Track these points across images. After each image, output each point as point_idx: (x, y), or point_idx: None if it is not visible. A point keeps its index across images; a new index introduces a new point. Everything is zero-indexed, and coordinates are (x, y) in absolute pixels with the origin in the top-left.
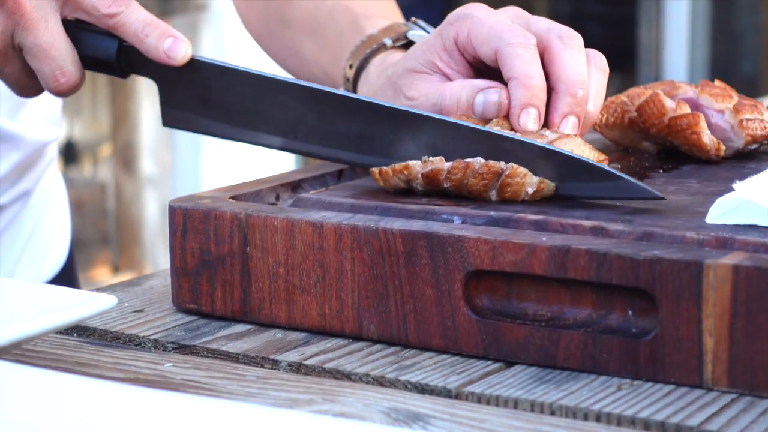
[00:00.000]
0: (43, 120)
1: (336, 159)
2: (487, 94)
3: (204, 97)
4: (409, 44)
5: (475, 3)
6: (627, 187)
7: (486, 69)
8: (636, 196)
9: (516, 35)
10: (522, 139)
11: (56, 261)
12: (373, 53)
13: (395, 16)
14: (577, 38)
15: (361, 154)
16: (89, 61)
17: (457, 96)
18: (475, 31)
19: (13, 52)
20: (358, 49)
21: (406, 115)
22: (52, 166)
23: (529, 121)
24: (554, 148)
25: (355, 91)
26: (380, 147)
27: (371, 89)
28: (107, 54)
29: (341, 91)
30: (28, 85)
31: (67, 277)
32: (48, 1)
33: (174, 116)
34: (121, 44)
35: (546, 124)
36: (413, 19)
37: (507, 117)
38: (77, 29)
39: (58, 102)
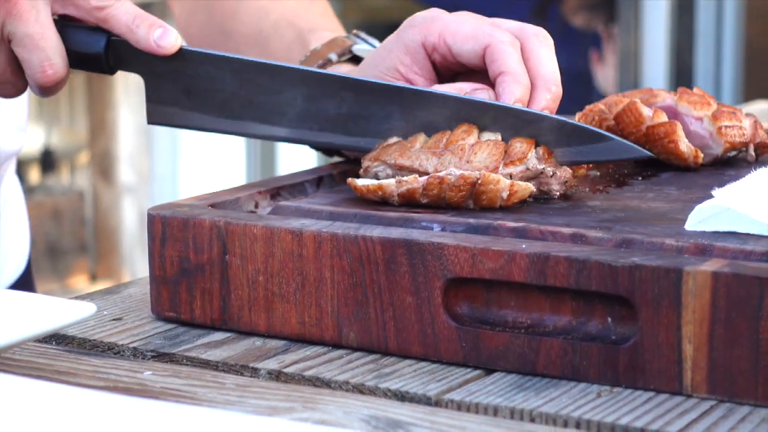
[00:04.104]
0: (15, 128)
1: (326, 143)
2: (474, 97)
3: (191, 90)
4: (354, 58)
5: (434, 8)
6: (618, 147)
7: (446, 72)
8: (627, 155)
9: (504, 34)
10: (519, 107)
11: (15, 269)
12: (319, 69)
13: (338, 29)
14: (549, 37)
15: (351, 136)
16: (76, 58)
17: None
18: (453, 30)
19: (0, 44)
20: (302, 64)
21: (399, 91)
22: (9, 172)
23: None
24: (548, 114)
25: None
26: (370, 126)
27: None
28: (96, 49)
29: (331, 72)
30: (9, 81)
31: (25, 284)
32: None
33: (160, 112)
34: (109, 39)
35: None
36: (355, 31)
37: None
38: (64, 26)
39: (23, 110)
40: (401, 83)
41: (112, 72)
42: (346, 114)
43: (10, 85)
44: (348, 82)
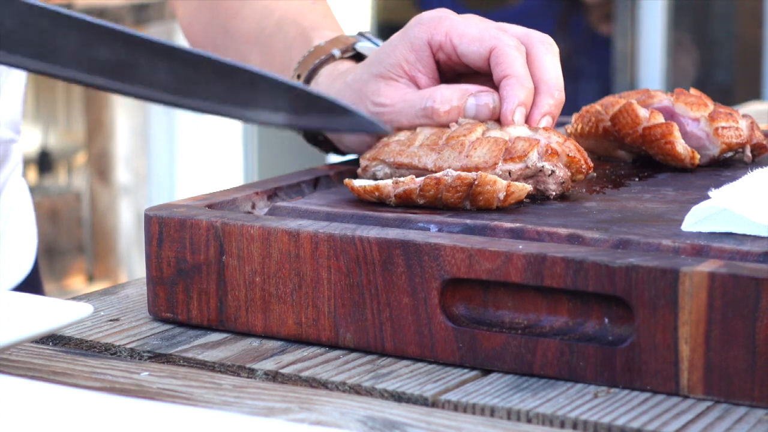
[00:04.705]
0: (8, 120)
1: (101, 86)
2: (479, 98)
3: None
4: (357, 56)
5: (443, 8)
6: (361, 121)
7: (450, 72)
8: (368, 129)
9: (510, 37)
10: (267, 74)
11: (22, 269)
12: (322, 63)
13: (341, 30)
14: (554, 44)
15: (121, 83)
16: None
17: (448, 100)
18: (460, 31)
19: None
20: (305, 59)
21: (169, 49)
22: (16, 171)
23: (521, 118)
24: (296, 84)
25: None
26: (138, 75)
27: None
28: None
29: (103, 22)
30: None
31: (32, 285)
32: None
33: None
34: None
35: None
36: (359, 31)
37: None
38: None
39: (18, 102)
40: (169, 42)
41: None
42: (115, 61)
43: None
44: (119, 33)
